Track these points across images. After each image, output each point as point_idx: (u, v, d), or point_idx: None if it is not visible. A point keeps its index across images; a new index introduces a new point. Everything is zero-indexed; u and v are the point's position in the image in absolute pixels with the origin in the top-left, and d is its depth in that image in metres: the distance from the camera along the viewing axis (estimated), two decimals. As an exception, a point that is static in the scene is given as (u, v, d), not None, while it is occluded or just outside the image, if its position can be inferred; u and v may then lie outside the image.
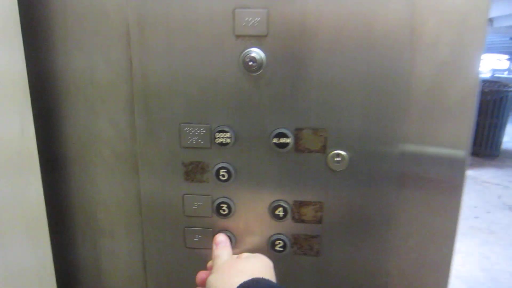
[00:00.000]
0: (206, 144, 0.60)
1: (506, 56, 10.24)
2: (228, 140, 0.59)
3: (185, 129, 0.60)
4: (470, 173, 4.67)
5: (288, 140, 0.59)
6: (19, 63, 0.55)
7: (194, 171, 0.62)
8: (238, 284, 0.51)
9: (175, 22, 0.55)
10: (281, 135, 0.59)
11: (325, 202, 0.62)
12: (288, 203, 0.62)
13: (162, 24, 0.56)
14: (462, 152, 0.59)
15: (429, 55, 0.55)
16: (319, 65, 0.56)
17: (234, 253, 0.65)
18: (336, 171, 0.60)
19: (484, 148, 5.17)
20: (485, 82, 5.41)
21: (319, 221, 0.63)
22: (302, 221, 0.63)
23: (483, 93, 5.13)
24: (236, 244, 0.65)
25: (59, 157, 0.65)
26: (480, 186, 4.16)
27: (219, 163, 0.61)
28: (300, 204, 0.63)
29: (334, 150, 0.59)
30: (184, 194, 0.63)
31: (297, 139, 0.59)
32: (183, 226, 0.65)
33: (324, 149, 0.60)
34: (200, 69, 0.57)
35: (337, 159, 0.60)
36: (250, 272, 0.54)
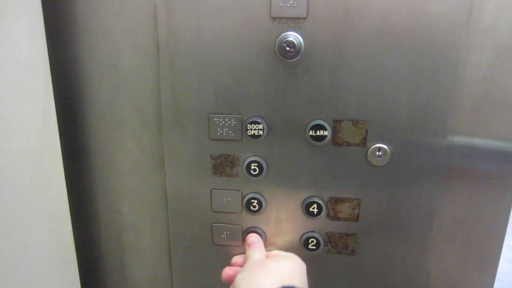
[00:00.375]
0: (236, 136, 0.56)
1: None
2: (261, 132, 0.55)
3: (214, 119, 0.56)
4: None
5: (325, 133, 0.55)
6: (40, 49, 0.52)
7: (223, 165, 0.58)
8: (263, 285, 0.48)
9: (206, 3, 0.51)
10: (318, 127, 0.55)
11: (363, 199, 0.58)
12: (323, 200, 0.59)
13: (192, 5, 0.51)
14: None
15: (487, 40, 0.50)
16: (363, 51, 0.51)
17: (265, 251, 0.62)
18: (376, 166, 0.56)
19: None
20: None
21: (356, 218, 0.59)
22: (338, 219, 0.60)
23: None
24: (266, 242, 0.62)
25: (81, 148, 0.63)
26: (504, 176, 4.06)
27: (250, 157, 0.58)
28: (336, 201, 0.59)
29: (376, 144, 0.55)
30: (212, 189, 0.60)
31: (335, 131, 0.55)
32: (211, 222, 0.62)
33: (364, 143, 0.55)
34: (232, 55, 0.53)
35: (378, 153, 0.55)
36: (278, 273, 0.52)
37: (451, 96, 0.52)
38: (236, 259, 0.62)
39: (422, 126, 0.53)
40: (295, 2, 0.49)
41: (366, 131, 0.55)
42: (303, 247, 0.61)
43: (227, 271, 0.59)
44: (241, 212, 0.61)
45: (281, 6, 0.50)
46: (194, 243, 0.64)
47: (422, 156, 0.55)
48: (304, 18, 0.50)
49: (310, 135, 0.55)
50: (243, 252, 0.62)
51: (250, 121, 0.55)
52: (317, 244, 0.61)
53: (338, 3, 0.49)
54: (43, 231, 0.58)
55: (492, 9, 0.49)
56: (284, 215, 0.60)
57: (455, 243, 0.60)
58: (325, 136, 0.55)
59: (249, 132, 0.56)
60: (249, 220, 0.61)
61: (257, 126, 0.55)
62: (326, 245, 0.61)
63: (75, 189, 0.64)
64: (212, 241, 0.63)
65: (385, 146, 0.55)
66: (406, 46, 0.50)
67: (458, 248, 0.60)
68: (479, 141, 0.54)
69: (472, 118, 0.54)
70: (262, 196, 0.60)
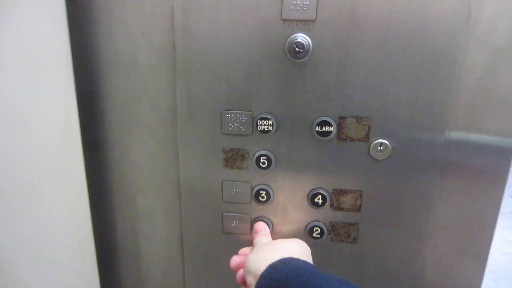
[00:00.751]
0: (247, 131, 0.60)
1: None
2: (270, 128, 0.59)
3: (226, 115, 0.59)
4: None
5: (330, 129, 0.58)
6: (63, 47, 0.55)
7: (234, 158, 0.62)
8: (272, 259, 0.51)
9: (220, 5, 0.54)
10: (324, 123, 0.58)
11: (365, 190, 0.62)
12: (327, 191, 0.62)
13: (207, 7, 0.54)
14: (510, 140, 0.58)
15: (484, 42, 0.53)
16: (368, 52, 0.54)
17: (272, 239, 0.66)
18: (378, 160, 0.60)
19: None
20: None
21: (358, 209, 0.63)
22: (341, 209, 0.63)
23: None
24: (273, 231, 0.66)
25: (100, 141, 0.66)
26: (502, 171, 4.08)
27: (259, 150, 0.61)
28: (339, 193, 0.62)
29: (377, 139, 0.58)
30: (223, 181, 0.63)
31: (339, 127, 0.58)
32: (221, 212, 0.66)
33: (367, 138, 0.59)
34: (244, 55, 0.56)
35: (380, 148, 0.59)
36: (287, 250, 0.54)
37: (449, 95, 0.55)
38: (244, 249, 0.65)
39: (421, 123, 0.57)
40: (304, 6, 0.52)
41: (369, 127, 0.58)
42: (308, 236, 0.65)
43: (235, 259, 0.62)
44: (250, 203, 0.64)
45: (292, 9, 0.53)
46: (205, 232, 0.67)
47: (421, 151, 0.58)
48: (313, 21, 0.53)
49: (316, 130, 0.58)
50: (251, 240, 0.66)
51: (260, 117, 0.59)
52: (321, 233, 0.64)
53: (345, 8, 0.52)
54: (64, 218, 0.62)
55: (489, 14, 0.52)
56: (291, 205, 0.64)
57: (450, 232, 0.63)
58: (330, 131, 0.58)
59: (259, 128, 0.59)
60: (258, 210, 0.65)
61: (266, 122, 0.59)
62: (329, 234, 0.65)
63: (94, 179, 0.67)
64: (223, 230, 0.67)
65: (386, 142, 0.58)
66: (408, 48, 0.53)
67: (453, 236, 0.64)
68: (474, 137, 0.58)
69: (468, 116, 0.57)
70: (270, 187, 0.63)
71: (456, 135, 0.58)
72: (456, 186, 0.61)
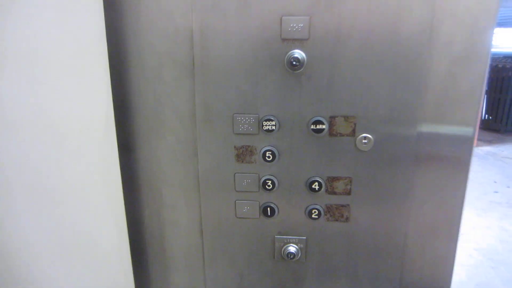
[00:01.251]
0: (254, 130, 0.69)
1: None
2: (274, 127, 0.68)
3: (237, 118, 0.68)
4: (490, 149, 4.54)
5: (323, 127, 0.67)
6: (104, 64, 0.65)
7: (244, 154, 0.71)
8: None
9: (232, 28, 0.64)
10: (318, 122, 0.67)
11: (354, 177, 0.70)
12: (322, 179, 0.71)
13: (220, 30, 0.64)
14: (470, 130, 0.67)
15: (445, 52, 0.64)
16: (351, 63, 0.64)
17: (276, 222, 0.76)
18: (363, 151, 0.68)
19: (505, 124, 5.11)
20: (506, 58, 5.31)
21: (348, 193, 0.71)
22: (334, 193, 0.72)
23: (504, 69, 5.05)
24: (278, 214, 0.75)
25: (131, 142, 0.73)
26: (500, 162, 4.10)
27: (265, 147, 0.69)
28: (332, 179, 0.71)
29: (362, 134, 0.67)
30: (235, 173, 0.72)
31: (331, 125, 0.67)
32: (234, 200, 0.74)
33: (353, 133, 0.67)
34: (251, 68, 0.65)
35: (365, 141, 0.68)
36: None
37: (418, 95, 0.65)
38: None
39: (397, 119, 0.66)
40: (299, 28, 0.63)
41: (355, 124, 0.67)
42: (307, 217, 0.73)
43: None
44: (258, 191, 0.73)
45: (289, 30, 0.64)
46: (221, 217, 0.75)
47: (398, 142, 0.67)
48: (307, 39, 0.64)
49: (312, 128, 0.67)
50: (260, 223, 0.75)
51: (265, 119, 0.67)
52: (319, 214, 0.73)
53: (332, 28, 0.63)
54: (103, 209, 0.72)
55: (447, 30, 0.62)
56: (292, 191, 0.72)
57: (425, 209, 0.71)
58: (323, 129, 0.67)
59: (264, 128, 0.68)
60: (265, 197, 0.73)
61: (270, 123, 0.68)
62: (325, 215, 0.73)
63: (127, 174, 0.75)
64: (236, 215, 0.75)
65: (369, 136, 0.67)
66: (384, 59, 0.64)
67: (428, 212, 0.72)
68: (440, 129, 0.67)
69: (434, 112, 0.66)
70: (275, 177, 0.71)
71: (426, 127, 0.67)
72: (428, 170, 0.69)
